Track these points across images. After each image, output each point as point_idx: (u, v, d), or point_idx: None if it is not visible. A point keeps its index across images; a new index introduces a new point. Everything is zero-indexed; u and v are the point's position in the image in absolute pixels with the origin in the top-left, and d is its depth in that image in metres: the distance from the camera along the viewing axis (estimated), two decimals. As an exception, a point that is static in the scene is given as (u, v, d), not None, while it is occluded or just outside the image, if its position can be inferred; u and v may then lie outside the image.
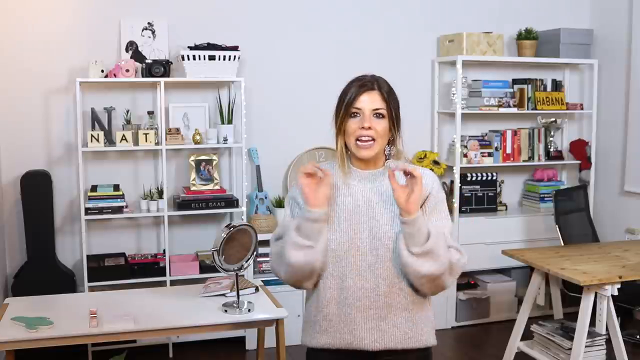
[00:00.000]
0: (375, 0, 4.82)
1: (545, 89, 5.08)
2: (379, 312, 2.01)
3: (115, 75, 4.13)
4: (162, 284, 4.20)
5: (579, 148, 5.16)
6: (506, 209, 5.08)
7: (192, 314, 2.98)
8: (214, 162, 4.38)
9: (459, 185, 4.82)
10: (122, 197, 4.16)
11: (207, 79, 4.28)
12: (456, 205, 4.78)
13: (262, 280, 3.59)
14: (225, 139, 4.32)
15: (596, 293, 3.44)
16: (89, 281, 4.07)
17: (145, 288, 3.58)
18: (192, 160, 4.35)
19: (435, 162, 4.82)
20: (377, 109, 2.01)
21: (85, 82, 4.14)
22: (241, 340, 4.40)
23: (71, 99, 4.25)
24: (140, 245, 4.50)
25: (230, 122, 4.39)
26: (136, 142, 4.16)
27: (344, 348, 2.04)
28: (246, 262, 3.01)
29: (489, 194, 4.97)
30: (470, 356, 4.38)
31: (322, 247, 1.99)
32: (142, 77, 4.20)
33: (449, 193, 4.87)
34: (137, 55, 4.32)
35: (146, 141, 4.15)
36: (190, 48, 4.25)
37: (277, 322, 2.98)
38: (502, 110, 4.87)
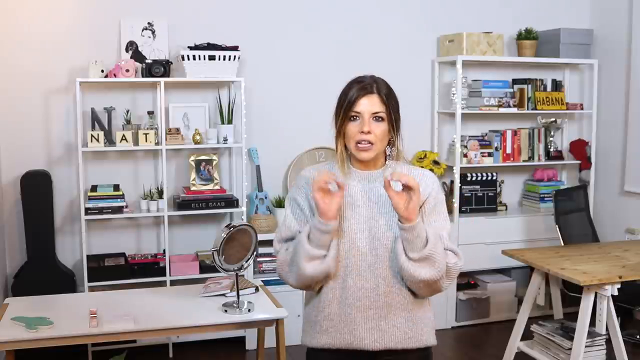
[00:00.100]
0: (375, 0, 4.82)
1: (545, 89, 5.08)
2: (379, 312, 2.01)
3: (115, 75, 4.13)
4: (162, 284, 4.20)
5: (579, 148, 5.16)
6: (506, 209, 5.08)
7: (192, 314, 2.98)
8: (214, 162, 4.38)
9: (459, 185, 4.82)
10: (122, 197, 4.16)
11: (207, 79, 4.28)
12: (456, 205, 4.78)
13: (262, 280, 3.60)
14: (225, 139, 4.32)
15: (596, 293, 3.44)
16: (89, 281, 4.07)
17: (145, 288, 3.58)
18: (192, 160, 4.35)
19: (435, 162, 4.82)
20: (376, 113, 2.00)
21: (85, 82, 4.14)
22: (241, 340, 4.41)
23: (71, 99, 4.25)
24: (140, 245, 4.50)
25: (230, 122, 4.39)
26: (136, 142, 4.16)
27: (344, 348, 2.04)
28: (246, 262, 3.01)
29: (489, 194, 4.97)
30: (470, 356, 4.38)
31: (334, 253, 1.99)
32: (142, 77, 4.20)
33: (449, 193, 4.87)
34: (137, 55, 4.32)
35: (146, 141, 4.15)
36: (190, 48, 4.25)
37: (277, 322, 2.98)
38: (502, 110, 4.87)
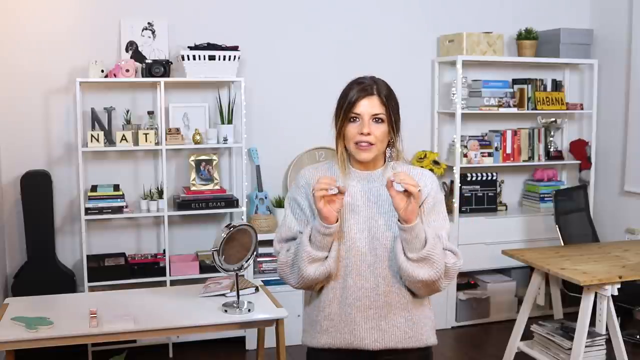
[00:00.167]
0: (375, 0, 4.82)
1: (545, 89, 5.08)
2: (379, 311, 2.01)
3: (115, 75, 4.13)
4: (162, 284, 4.20)
5: (579, 148, 5.16)
6: (506, 209, 5.08)
7: (192, 314, 2.97)
8: (214, 162, 4.38)
9: (459, 185, 4.82)
10: (122, 197, 4.16)
11: (207, 79, 4.28)
12: (456, 205, 4.78)
13: (262, 280, 3.59)
14: (225, 139, 4.32)
15: (596, 293, 3.44)
16: (89, 281, 4.07)
17: (145, 288, 3.58)
18: (192, 160, 4.35)
19: (435, 162, 4.82)
20: (376, 114, 2.01)
21: (85, 82, 4.14)
22: (241, 340, 4.41)
23: (71, 99, 4.25)
24: (140, 245, 4.50)
25: (230, 122, 4.39)
26: (136, 142, 4.16)
27: (344, 348, 2.04)
28: (246, 262, 3.00)
29: (489, 194, 4.97)
30: (470, 356, 4.38)
31: (335, 255, 2.00)
32: (142, 77, 4.20)
33: (449, 193, 4.87)
34: (137, 55, 4.32)
35: (146, 141, 4.15)
36: (190, 48, 4.25)
37: (277, 322, 2.98)
38: (502, 110, 4.87)
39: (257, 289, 3.28)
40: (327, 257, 1.99)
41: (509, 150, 4.99)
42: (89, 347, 4.10)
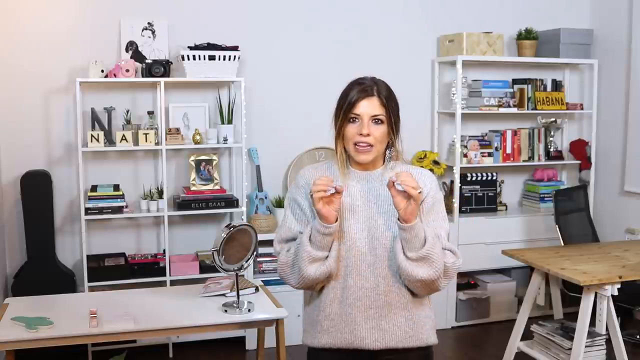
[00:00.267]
0: (375, 0, 4.82)
1: (545, 89, 5.08)
2: (380, 311, 2.02)
3: (115, 75, 4.13)
4: (162, 284, 4.20)
5: (579, 148, 5.16)
6: (506, 209, 5.08)
7: (192, 314, 2.97)
8: (214, 162, 4.38)
9: (459, 185, 4.82)
10: (122, 197, 4.16)
11: (207, 79, 4.28)
12: (456, 205, 4.78)
13: (262, 280, 3.60)
14: (225, 139, 4.32)
15: (596, 293, 3.44)
16: (89, 281, 4.07)
17: (145, 288, 3.58)
18: (192, 160, 4.35)
19: (435, 162, 4.82)
20: (375, 115, 2.01)
21: (85, 82, 4.14)
22: (241, 340, 4.40)
23: (71, 99, 4.25)
24: (140, 245, 4.50)
25: (230, 122, 4.39)
26: (136, 142, 4.16)
27: (345, 347, 2.04)
28: (246, 262, 3.00)
29: (489, 194, 4.97)
30: (470, 356, 4.38)
31: (336, 254, 2.00)
32: (142, 77, 4.20)
33: (449, 193, 4.87)
34: (137, 55, 4.32)
35: (146, 141, 4.15)
36: (190, 48, 4.25)
37: (277, 322, 2.98)
38: (502, 110, 4.87)
39: (257, 289, 3.28)
40: (327, 257, 1.99)
41: (509, 150, 4.99)
42: (89, 347, 4.10)
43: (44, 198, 4.05)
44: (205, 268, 4.27)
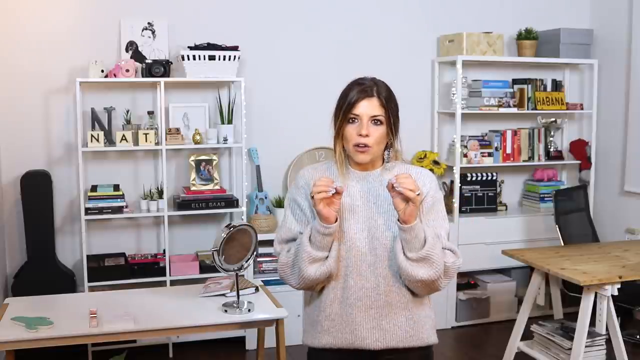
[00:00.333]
0: (375, 0, 4.82)
1: (545, 89, 5.08)
2: (380, 311, 2.02)
3: (115, 75, 4.13)
4: (162, 284, 4.20)
5: (579, 148, 5.16)
6: (506, 209, 5.08)
7: (192, 314, 2.97)
8: (214, 162, 4.38)
9: (459, 185, 4.82)
10: (122, 197, 4.16)
11: (207, 79, 4.28)
12: (456, 205, 4.78)
13: (262, 280, 3.60)
14: (225, 139, 4.32)
15: (596, 293, 3.44)
16: (89, 281, 4.07)
17: (145, 288, 3.58)
18: (192, 160, 4.35)
19: (435, 162, 4.82)
20: (375, 116, 2.01)
21: (85, 82, 4.14)
22: (241, 340, 4.40)
23: (71, 99, 4.25)
24: (140, 245, 4.50)
25: (230, 122, 4.39)
26: (136, 142, 4.16)
27: (345, 348, 2.04)
28: (246, 262, 3.00)
29: (489, 194, 4.97)
30: (470, 356, 4.38)
31: (336, 255, 2.00)
32: (142, 77, 4.20)
33: (449, 193, 4.87)
34: (137, 55, 4.32)
35: (146, 141, 4.14)
36: (190, 48, 4.25)
37: (277, 322, 2.98)
38: (502, 110, 4.87)
39: (257, 289, 3.28)
40: (327, 257, 1.99)
41: (509, 150, 4.99)
42: (89, 347, 4.10)
43: (44, 198, 4.05)
44: (205, 268, 4.27)
